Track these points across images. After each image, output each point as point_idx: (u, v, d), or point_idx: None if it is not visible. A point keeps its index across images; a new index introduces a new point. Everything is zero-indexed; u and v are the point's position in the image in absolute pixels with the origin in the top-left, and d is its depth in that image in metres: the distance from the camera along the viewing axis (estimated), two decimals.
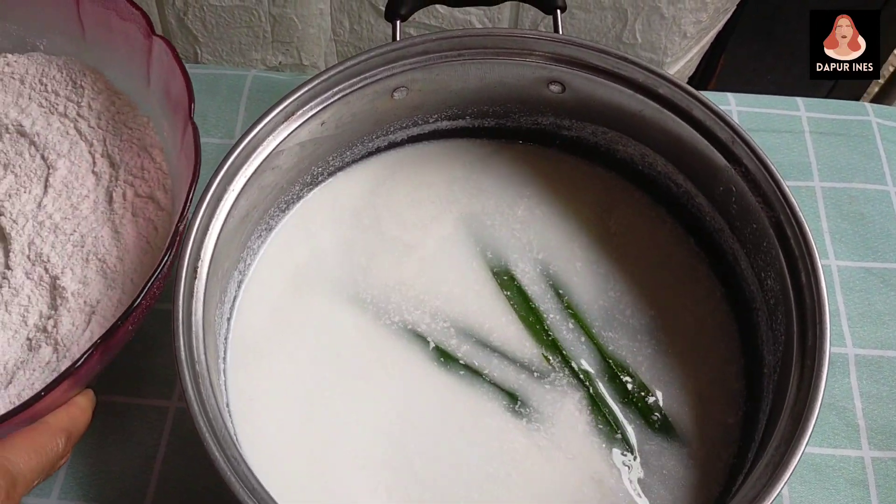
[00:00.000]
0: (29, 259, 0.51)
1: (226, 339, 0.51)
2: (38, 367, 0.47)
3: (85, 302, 0.49)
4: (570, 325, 0.53)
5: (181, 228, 0.44)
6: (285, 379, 0.51)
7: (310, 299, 0.54)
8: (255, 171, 0.49)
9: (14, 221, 0.52)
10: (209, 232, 0.46)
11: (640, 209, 0.57)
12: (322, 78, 0.50)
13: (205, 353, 0.43)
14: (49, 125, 0.55)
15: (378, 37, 0.69)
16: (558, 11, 0.54)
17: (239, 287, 0.53)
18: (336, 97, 0.51)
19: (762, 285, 0.49)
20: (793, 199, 0.45)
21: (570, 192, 0.58)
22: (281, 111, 0.49)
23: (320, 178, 0.57)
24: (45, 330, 0.49)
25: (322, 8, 0.66)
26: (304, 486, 0.48)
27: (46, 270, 0.50)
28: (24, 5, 0.56)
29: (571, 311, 0.54)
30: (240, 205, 0.49)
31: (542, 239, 0.57)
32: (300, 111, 0.50)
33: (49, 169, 0.54)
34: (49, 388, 0.39)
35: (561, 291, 0.54)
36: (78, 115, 0.56)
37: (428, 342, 0.52)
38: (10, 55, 0.58)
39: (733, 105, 0.67)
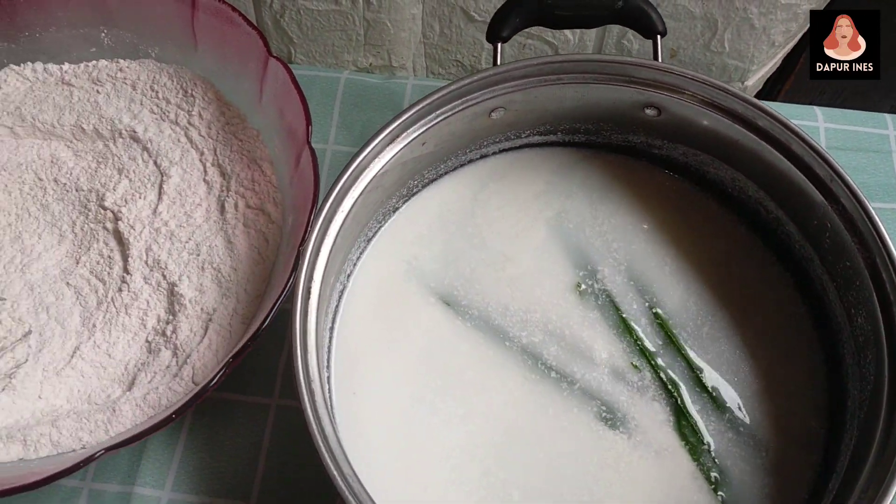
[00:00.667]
0: (147, 264, 0.54)
1: (329, 344, 0.54)
2: (158, 370, 0.51)
3: (202, 309, 0.52)
4: (658, 335, 0.55)
5: (302, 251, 0.46)
6: (384, 380, 0.54)
7: (406, 306, 0.56)
8: (363, 191, 0.51)
9: (132, 227, 0.55)
10: (321, 252, 0.49)
11: (726, 227, 0.58)
12: (426, 102, 0.52)
13: (317, 365, 0.46)
14: (161, 132, 0.58)
15: (467, 40, 0.70)
16: (658, 37, 0.55)
17: (340, 297, 0.56)
18: (438, 119, 0.53)
19: (851, 321, 0.50)
20: (891, 244, 0.46)
21: (657, 203, 0.59)
22: (387, 135, 0.51)
23: (415, 190, 0.59)
24: (163, 334, 0.52)
25: (415, 13, 0.67)
26: (398, 481, 0.51)
27: (164, 277, 0.53)
28: (140, 14, 0.58)
29: (659, 321, 0.56)
30: (347, 223, 0.51)
31: (630, 248, 0.58)
32: (404, 133, 0.52)
33: (162, 176, 0.56)
34: (181, 411, 0.42)
35: (648, 300, 0.56)
36: (189, 123, 0.58)
37: (521, 349, 0.55)
38: (122, 60, 0.60)
39: (821, 121, 0.67)
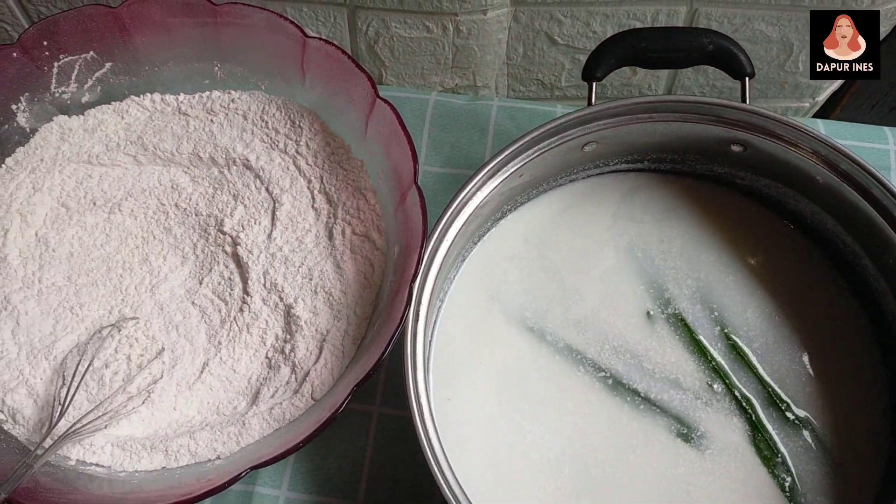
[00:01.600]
0: (265, 287, 0.59)
1: (427, 355, 0.58)
2: (279, 385, 0.56)
3: (316, 330, 0.57)
4: (730, 354, 0.59)
5: (414, 288, 0.51)
6: (475, 390, 0.59)
7: (491, 328, 0.61)
8: (464, 222, 0.56)
9: (249, 251, 0.60)
10: (427, 282, 0.53)
11: (801, 254, 0.62)
12: (525, 139, 0.56)
13: (423, 380, 0.51)
14: (271, 160, 0.63)
15: (548, 61, 0.73)
16: (747, 79, 0.57)
17: (438, 313, 0.60)
18: (535, 154, 0.57)
19: None
20: None
21: (731, 226, 0.63)
22: (489, 170, 0.55)
23: (507, 213, 0.63)
24: (282, 352, 0.57)
25: (501, 38, 0.71)
26: (489, 485, 0.57)
27: (281, 299, 0.58)
28: (252, 51, 0.62)
29: (731, 341, 0.59)
30: (449, 251, 0.55)
31: (702, 270, 0.62)
32: (504, 168, 0.56)
33: (275, 202, 0.61)
34: (311, 438, 0.47)
35: (719, 320, 0.60)
36: (296, 152, 0.62)
37: (599, 368, 0.59)
38: (233, 91, 0.64)
39: (891, 143, 0.69)
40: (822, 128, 0.71)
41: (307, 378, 0.56)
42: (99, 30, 0.60)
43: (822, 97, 0.79)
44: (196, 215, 0.62)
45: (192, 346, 0.58)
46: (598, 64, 0.59)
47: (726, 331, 0.60)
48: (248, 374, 0.57)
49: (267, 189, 0.62)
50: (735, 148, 0.58)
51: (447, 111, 0.72)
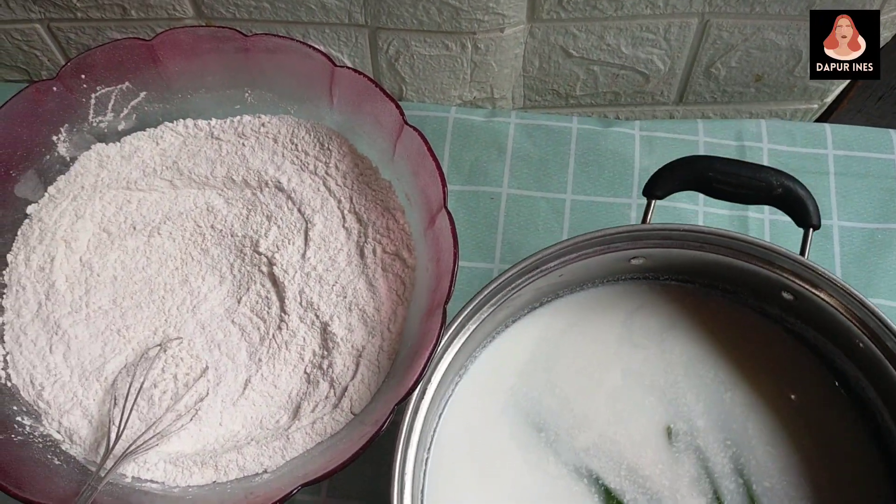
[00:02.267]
0: (301, 305, 0.62)
1: (429, 447, 0.59)
2: (319, 399, 0.59)
3: (352, 346, 0.60)
4: (742, 494, 0.57)
5: (447, 309, 0.53)
6: (475, 493, 0.58)
7: (500, 427, 0.60)
8: (494, 308, 0.58)
9: (285, 271, 0.63)
10: (443, 358, 0.56)
11: (835, 409, 0.59)
12: (569, 242, 0.57)
13: (413, 462, 0.53)
14: (302, 182, 0.65)
15: (563, 73, 0.76)
16: (811, 230, 0.57)
17: (446, 404, 0.61)
18: (578, 258, 0.58)
19: None
20: None
21: (773, 361, 0.60)
22: (527, 265, 0.57)
23: (537, 305, 0.63)
24: (320, 367, 0.60)
25: (518, 52, 0.73)
26: None
27: (317, 317, 0.61)
28: (282, 79, 0.64)
29: (743, 479, 0.57)
30: (475, 336, 0.58)
31: (723, 407, 0.59)
32: (543, 266, 0.58)
33: (307, 223, 0.64)
34: (357, 455, 0.50)
35: (735, 462, 0.58)
36: (326, 173, 0.65)
37: (606, 493, 0.58)
38: (263, 116, 0.67)
39: None
40: (830, 134, 0.74)
41: (346, 393, 0.58)
42: (134, 61, 0.62)
43: (830, 98, 0.81)
44: (232, 236, 0.65)
45: (234, 363, 0.61)
46: (662, 183, 0.59)
47: (745, 479, 0.58)
48: (289, 389, 0.60)
49: (299, 210, 0.65)
50: (786, 295, 0.57)
51: (466, 129, 0.74)
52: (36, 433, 0.56)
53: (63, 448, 0.56)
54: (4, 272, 0.61)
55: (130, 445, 0.55)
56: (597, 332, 0.62)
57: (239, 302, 0.63)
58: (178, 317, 0.62)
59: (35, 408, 0.57)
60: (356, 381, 0.59)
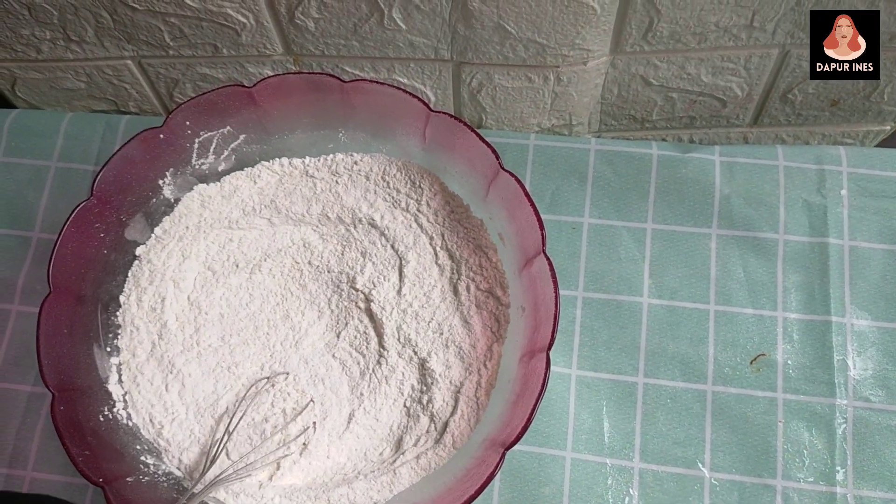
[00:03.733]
0: (399, 342, 0.64)
1: None
2: (420, 433, 0.62)
3: (450, 382, 0.63)
4: None
5: (550, 354, 0.56)
6: None
7: None
8: None
9: (382, 308, 0.65)
10: None
11: None
12: None
13: None
14: (395, 219, 0.67)
15: (641, 99, 0.77)
16: None
17: None
18: None
19: None
20: None
21: None
22: None
23: None
24: (419, 402, 0.63)
25: (598, 82, 0.74)
26: None
27: (415, 353, 0.64)
28: (377, 121, 0.66)
29: None
30: None
31: None
32: None
33: (401, 260, 0.66)
34: (481, 489, 0.53)
35: None
36: (418, 210, 0.67)
37: None
38: (356, 154, 0.69)
39: None
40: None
41: (447, 428, 0.61)
42: (235, 107, 0.64)
43: None
44: (328, 272, 0.67)
45: (338, 397, 0.64)
46: None
47: None
48: (390, 422, 0.63)
49: (392, 246, 0.67)
50: None
51: (546, 156, 0.76)
52: (160, 471, 0.59)
53: (185, 486, 0.60)
54: (118, 313, 0.64)
55: (238, 470, 0.58)
56: None
57: (338, 337, 0.66)
58: (283, 352, 0.65)
59: (155, 446, 0.60)
60: (457, 416, 0.61)
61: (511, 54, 0.69)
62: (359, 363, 0.65)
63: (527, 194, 0.60)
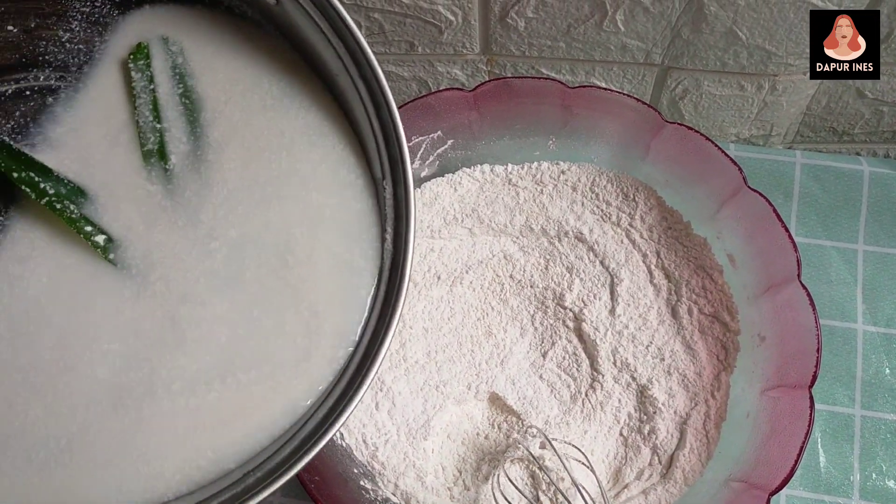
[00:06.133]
0: (615, 366, 0.61)
1: None
2: (642, 466, 0.58)
3: (675, 412, 0.59)
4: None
5: (809, 437, 0.52)
6: None
7: None
8: None
9: (595, 328, 0.61)
10: None
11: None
12: None
13: None
14: (604, 233, 0.63)
15: (848, 112, 0.72)
16: None
17: None
18: None
19: None
20: None
21: None
22: None
23: None
24: (639, 432, 0.59)
25: (810, 93, 0.70)
26: None
27: (633, 378, 0.60)
28: (595, 129, 0.62)
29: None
30: None
31: None
32: None
33: (612, 277, 0.62)
34: None
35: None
36: (630, 225, 0.63)
37: None
38: (562, 163, 0.65)
39: None
40: None
41: (676, 463, 0.57)
42: (450, 111, 0.61)
43: None
44: (531, 287, 0.64)
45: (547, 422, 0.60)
46: None
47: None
48: (605, 451, 0.60)
49: (602, 263, 0.63)
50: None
51: (750, 169, 0.71)
52: (378, 497, 0.56)
53: None
54: None
55: None
56: None
57: (544, 357, 0.62)
58: (489, 371, 0.62)
59: (369, 468, 0.57)
60: (685, 450, 0.58)
61: (731, 61, 0.65)
62: (569, 386, 0.61)
63: (778, 216, 0.56)
